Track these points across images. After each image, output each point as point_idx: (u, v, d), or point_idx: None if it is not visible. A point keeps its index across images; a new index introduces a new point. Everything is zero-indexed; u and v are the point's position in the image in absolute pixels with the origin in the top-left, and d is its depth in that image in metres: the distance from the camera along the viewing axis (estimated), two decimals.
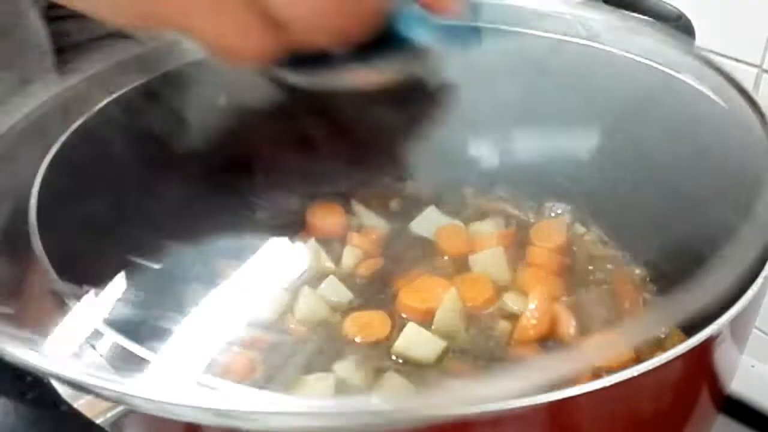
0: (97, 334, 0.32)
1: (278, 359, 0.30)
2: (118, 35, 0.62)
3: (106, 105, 0.44)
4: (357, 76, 0.35)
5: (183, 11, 0.29)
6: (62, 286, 0.33)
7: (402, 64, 0.35)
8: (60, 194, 0.39)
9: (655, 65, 0.45)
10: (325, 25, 0.29)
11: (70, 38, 0.61)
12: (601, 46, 0.45)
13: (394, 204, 0.36)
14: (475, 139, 0.39)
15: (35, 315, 0.32)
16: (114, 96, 0.44)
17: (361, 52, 0.33)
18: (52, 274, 0.33)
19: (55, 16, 0.59)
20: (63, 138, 0.41)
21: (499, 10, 0.48)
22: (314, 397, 0.29)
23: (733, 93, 0.40)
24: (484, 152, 0.39)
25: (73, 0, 0.31)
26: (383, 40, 0.34)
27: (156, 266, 0.34)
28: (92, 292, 0.33)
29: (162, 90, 0.46)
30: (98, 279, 0.34)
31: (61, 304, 0.33)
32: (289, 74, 0.35)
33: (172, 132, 0.43)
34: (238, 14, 0.29)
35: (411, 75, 0.35)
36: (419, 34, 0.36)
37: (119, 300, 0.33)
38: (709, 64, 0.41)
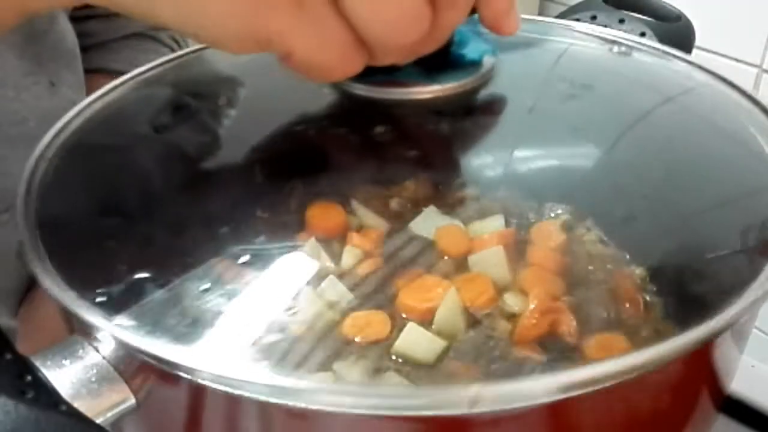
0: (97, 334, 0.32)
1: (277, 359, 0.30)
2: (143, 35, 0.62)
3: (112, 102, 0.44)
4: (418, 89, 0.38)
5: (290, 31, 0.29)
6: (67, 289, 0.33)
7: (460, 78, 0.39)
8: (61, 194, 0.39)
9: (657, 72, 0.46)
10: (408, 48, 0.31)
11: (96, 38, 0.61)
12: (603, 55, 0.46)
13: (394, 204, 0.36)
14: (482, 136, 0.40)
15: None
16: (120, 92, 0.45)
17: (422, 66, 0.38)
18: (56, 277, 0.33)
19: (80, 16, 0.59)
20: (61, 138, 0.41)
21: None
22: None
23: (736, 95, 0.40)
24: (484, 152, 0.39)
25: (172, 18, 0.30)
26: (443, 56, 0.38)
27: (153, 266, 0.34)
28: (94, 296, 0.33)
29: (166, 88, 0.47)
30: (98, 282, 0.34)
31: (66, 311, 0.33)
32: (354, 85, 0.38)
33: (175, 132, 0.43)
34: (339, 36, 0.30)
35: (468, 88, 0.39)
36: (477, 50, 0.40)
37: (120, 302, 0.33)
38: (711, 73, 0.42)
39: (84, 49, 0.60)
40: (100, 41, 0.61)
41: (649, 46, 0.47)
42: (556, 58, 0.45)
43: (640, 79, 0.45)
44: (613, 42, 0.47)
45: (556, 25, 0.50)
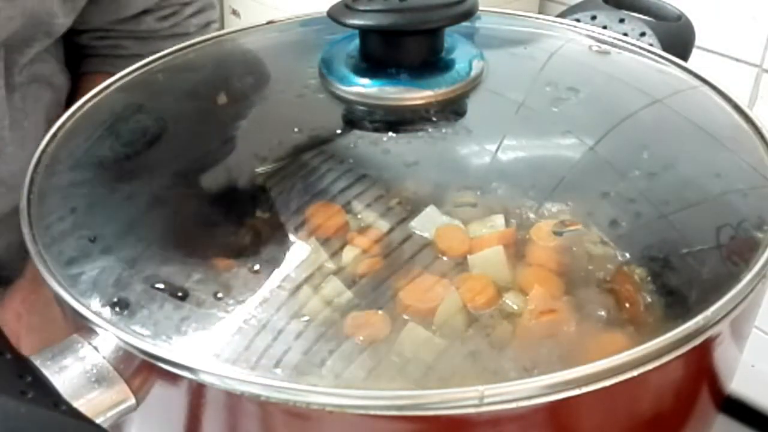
0: (97, 334, 0.32)
1: (277, 359, 0.30)
2: (170, 54, 0.66)
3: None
4: (410, 95, 0.39)
5: None
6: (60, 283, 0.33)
7: (450, 83, 0.40)
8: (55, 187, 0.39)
9: (655, 74, 0.46)
10: None
11: (127, 50, 0.64)
12: (603, 55, 0.46)
13: (394, 204, 0.36)
14: (476, 139, 0.40)
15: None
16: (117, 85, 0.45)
17: (414, 72, 0.39)
18: (59, 277, 0.33)
19: (115, 36, 0.65)
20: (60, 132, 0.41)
21: (504, 18, 0.49)
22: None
23: (730, 109, 0.41)
24: (484, 152, 0.39)
25: None
26: (434, 62, 0.40)
27: (153, 267, 0.34)
28: (95, 297, 0.33)
29: (162, 87, 0.47)
30: (99, 283, 0.34)
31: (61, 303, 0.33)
32: (348, 91, 0.40)
33: (173, 129, 0.43)
34: None
35: (458, 93, 0.40)
36: (467, 55, 0.41)
37: (120, 302, 0.33)
38: (705, 81, 0.43)
39: (116, 57, 0.65)
40: (129, 54, 0.65)
41: (638, 47, 0.47)
42: (547, 59, 0.45)
43: (631, 80, 0.45)
44: (603, 42, 0.47)
45: (552, 23, 0.50)
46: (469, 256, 0.34)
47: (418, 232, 0.35)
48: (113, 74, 0.64)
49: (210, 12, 0.67)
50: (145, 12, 0.63)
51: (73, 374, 0.30)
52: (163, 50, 0.64)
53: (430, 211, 0.35)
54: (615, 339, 0.31)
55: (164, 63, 0.47)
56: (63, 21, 0.55)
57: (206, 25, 0.68)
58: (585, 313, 0.32)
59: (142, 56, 0.65)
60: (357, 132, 0.39)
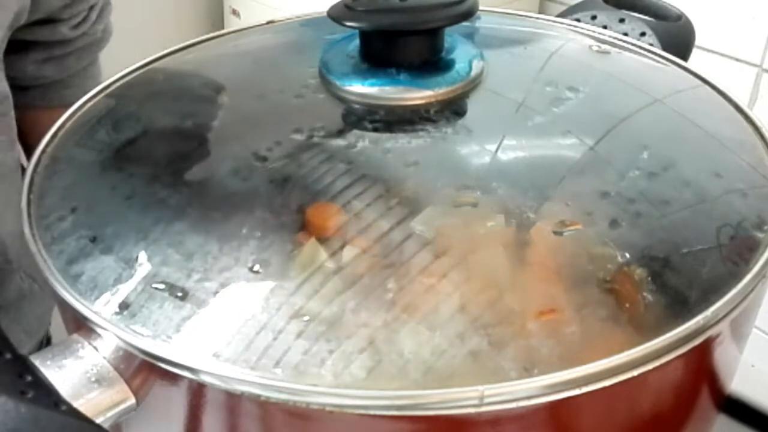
0: (97, 334, 0.32)
1: (277, 358, 0.30)
2: (91, 63, 0.67)
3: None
4: (410, 95, 0.40)
5: None
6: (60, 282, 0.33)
7: (450, 83, 0.40)
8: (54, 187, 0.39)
9: (655, 74, 0.46)
10: None
11: (50, 78, 0.66)
12: (603, 55, 0.46)
13: (394, 204, 0.36)
14: (476, 139, 0.40)
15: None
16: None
17: (414, 72, 0.40)
18: (59, 276, 0.33)
19: (38, 59, 0.64)
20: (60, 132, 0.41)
21: (504, 18, 0.49)
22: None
23: (731, 108, 0.41)
24: (484, 152, 0.39)
25: None
26: (434, 61, 0.40)
27: (153, 266, 0.34)
28: (95, 296, 0.33)
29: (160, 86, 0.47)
30: (99, 282, 0.34)
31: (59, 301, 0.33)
32: (348, 91, 0.40)
33: (174, 129, 0.43)
34: None
35: (458, 93, 0.40)
36: (467, 55, 0.42)
37: (121, 302, 0.33)
38: (705, 81, 0.43)
39: (36, 87, 0.65)
40: (52, 80, 0.66)
41: (638, 47, 0.47)
42: (547, 59, 0.45)
43: (631, 80, 0.45)
44: (603, 42, 0.47)
45: (552, 23, 0.50)
46: (469, 256, 0.34)
47: (418, 232, 0.35)
48: (52, 108, 0.64)
49: (107, 11, 0.67)
50: (59, 21, 0.62)
51: (73, 374, 0.30)
52: (79, 67, 0.65)
53: (430, 211, 0.35)
54: (615, 339, 0.31)
55: (164, 63, 0.47)
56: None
57: (105, 29, 0.67)
58: (585, 313, 0.32)
59: (64, 83, 0.66)
60: (357, 132, 0.39)
